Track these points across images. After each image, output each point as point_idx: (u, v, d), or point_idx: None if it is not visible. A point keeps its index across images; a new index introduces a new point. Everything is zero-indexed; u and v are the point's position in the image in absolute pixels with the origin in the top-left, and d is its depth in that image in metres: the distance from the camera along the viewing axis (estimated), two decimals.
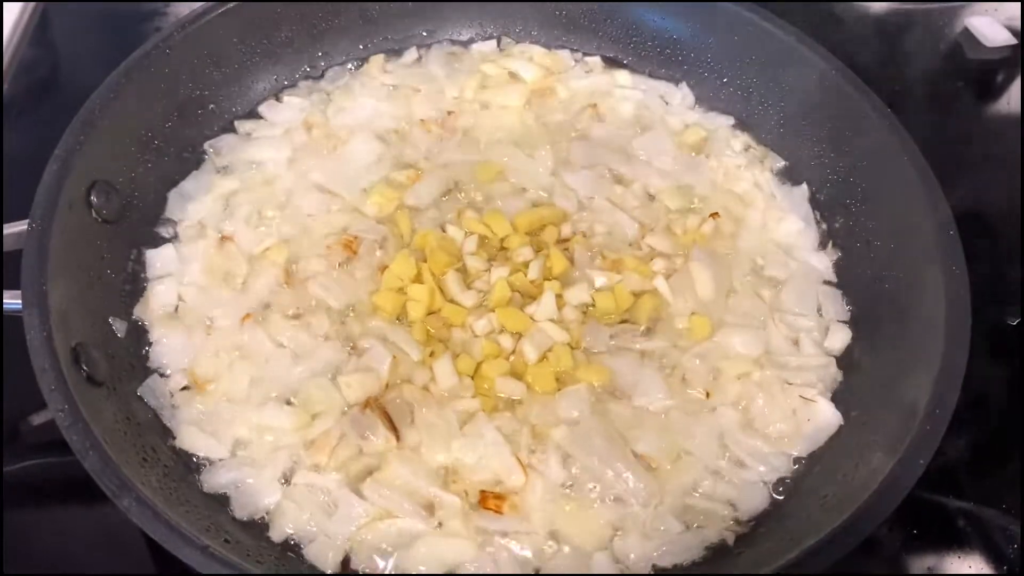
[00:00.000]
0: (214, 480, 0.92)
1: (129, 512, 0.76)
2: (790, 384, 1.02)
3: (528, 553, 0.89)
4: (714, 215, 1.16)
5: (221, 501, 0.90)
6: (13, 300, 0.90)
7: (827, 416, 0.99)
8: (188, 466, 0.93)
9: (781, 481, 0.96)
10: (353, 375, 0.98)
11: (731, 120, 1.29)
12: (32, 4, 1.53)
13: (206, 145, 1.21)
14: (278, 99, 1.28)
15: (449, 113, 1.25)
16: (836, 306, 1.10)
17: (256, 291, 1.06)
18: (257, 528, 0.89)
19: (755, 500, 0.94)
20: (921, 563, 1.01)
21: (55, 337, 0.87)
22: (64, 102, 1.37)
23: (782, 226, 1.18)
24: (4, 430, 1.08)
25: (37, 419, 1.09)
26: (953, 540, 1.03)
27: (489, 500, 0.90)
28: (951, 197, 1.02)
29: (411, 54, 1.34)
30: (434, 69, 1.32)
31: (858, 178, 1.15)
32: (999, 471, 1.10)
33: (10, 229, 1.00)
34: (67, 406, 0.82)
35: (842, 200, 1.17)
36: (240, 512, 0.90)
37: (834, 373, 1.04)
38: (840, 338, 1.07)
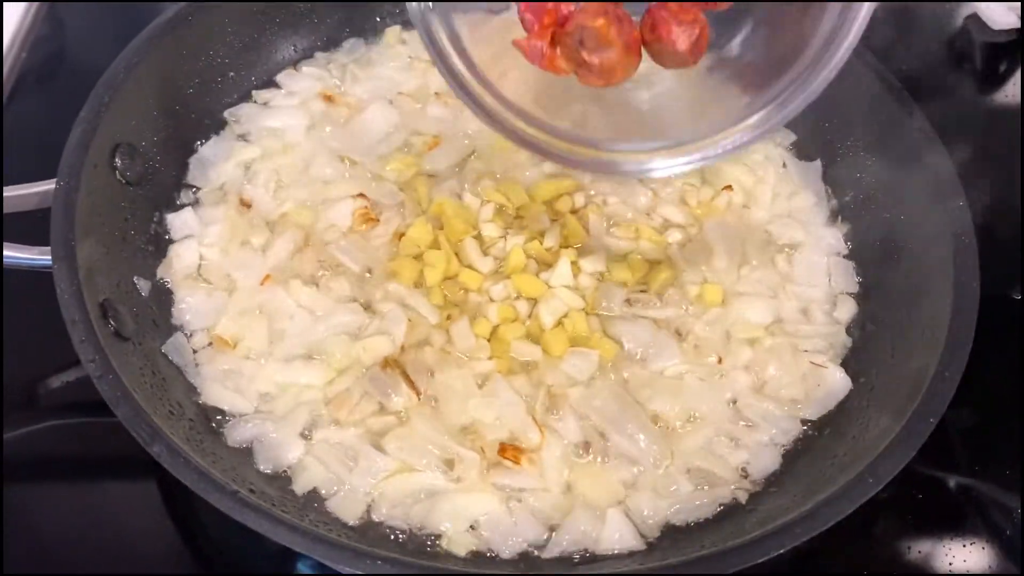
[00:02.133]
0: (238, 434, 0.93)
1: (160, 458, 0.78)
2: (801, 351, 1.04)
3: (546, 509, 0.91)
4: (727, 188, 1.17)
5: (245, 454, 0.92)
6: (43, 256, 0.92)
7: (837, 381, 1.01)
8: (213, 420, 0.95)
9: (792, 442, 0.98)
10: (371, 338, 1.00)
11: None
12: None
13: (226, 113, 1.22)
14: (296, 68, 1.29)
15: None
16: (846, 278, 1.12)
17: (276, 254, 1.07)
18: (281, 481, 0.91)
19: (766, 461, 0.96)
20: (921, 539, 1.02)
21: (84, 291, 0.88)
22: (73, 77, 1.41)
23: (794, 200, 1.19)
24: (21, 393, 1.09)
25: (55, 381, 1.11)
26: (952, 516, 1.04)
27: (508, 451, 0.92)
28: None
29: None
30: None
31: (869, 153, 1.17)
32: (1001, 446, 1.12)
33: (34, 189, 1.01)
34: (97, 356, 0.83)
35: (852, 175, 1.18)
36: (264, 465, 0.92)
37: (844, 340, 1.06)
38: (848, 308, 1.09)
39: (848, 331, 1.07)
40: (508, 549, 0.88)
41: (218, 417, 0.95)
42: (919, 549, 1.01)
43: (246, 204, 1.12)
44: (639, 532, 0.90)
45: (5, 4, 1.47)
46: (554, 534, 0.89)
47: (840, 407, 1.00)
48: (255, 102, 1.25)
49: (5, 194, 1.01)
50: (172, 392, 0.93)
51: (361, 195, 1.12)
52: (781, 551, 0.77)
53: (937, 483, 1.07)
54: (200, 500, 0.77)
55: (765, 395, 1.01)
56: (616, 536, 0.88)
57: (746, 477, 0.95)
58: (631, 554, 0.87)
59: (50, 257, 0.90)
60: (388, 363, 0.98)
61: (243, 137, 1.21)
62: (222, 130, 1.21)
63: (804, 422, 1.00)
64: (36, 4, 1.51)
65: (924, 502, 1.05)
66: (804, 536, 0.78)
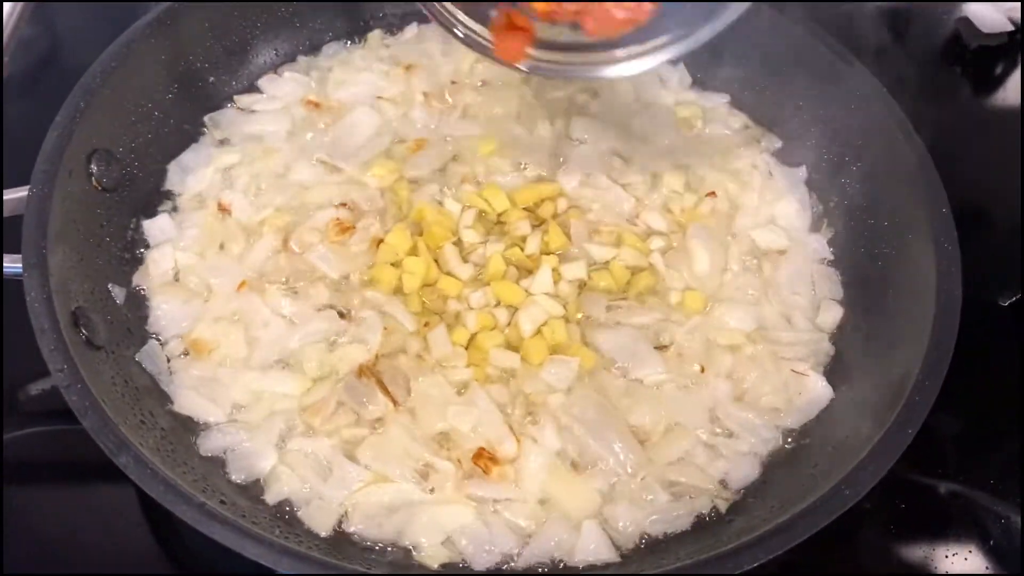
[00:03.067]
0: (211, 443, 0.93)
1: (127, 469, 0.77)
2: (782, 359, 1.03)
3: (520, 521, 0.90)
4: (711, 194, 1.16)
5: (217, 464, 0.91)
6: (14, 264, 0.91)
7: (818, 390, 1.00)
8: (186, 428, 0.94)
9: (772, 452, 0.97)
10: (347, 346, 0.99)
11: (727, 98, 1.29)
12: None
13: (205, 118, 1.21)
14: (277, 73, 1.28)
15: (453, 82, 1.25)
16: (830, 284, 1.11)
17: (253, 260, 1.07)
18: (253, 491, 0.90)
19: (745, 471, 0.95)
20: (912, 547, 1.02)
21: (55, 300, 0.87)
22: (62, 77, 1.40)
23: (778, 206, 1.18)
24: (3, 399, 1.08)
25: (35, 388, 1.10)
26: (943, 524, 1.04)
27: (482, 458, 0.91)
28: (949, 184, 1.03)
29: (411, 30, 1.35)
30: (432, 46, 1.33)
31: (853, 158, 1.16)
32: (991, 453, 1.11)
33: (10, 195, 1.00)
34: (66, 366, 0.83)
35: (837, 180, 1.17)
36: (236, 475, 0.91)
37: (826, 348, 1.05)
38: (832, 315, 1.08)
39: (831, 339, 1.06)
40: (482, 561, 0.86)
41: (191, 424, 0.95)
42: (906, 556, 1.00)
43: (225, 209, 1.11)
44: (614, 544, 0.89)
45: None
46: (527, 546, 0.88)
47: (821, 415, 0.99)
48: (237, 107, 1.24)
49: None
50: (144, 401, 0.92)
51: (343, 204, 1.11)
52: (756, 564, 0.76)
53: (926, 490, 1.06)
54: None
55: (745, 404, 1.00)
56: (591, 547, 0.87)
57: (725, 487, 0.94)
58: (606, 565, 0.86)
59: (21, 265, 0.89)
60: (364, 371, 0.97)
61: (223, 143, 1.20)
62: (201, 136, 1.20)
63: (785, 431, 0.99)
64: (21, 4, 1.51)
65: (912, 509, 1.04)
66: (780, 548, 0.77)
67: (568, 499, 0.91)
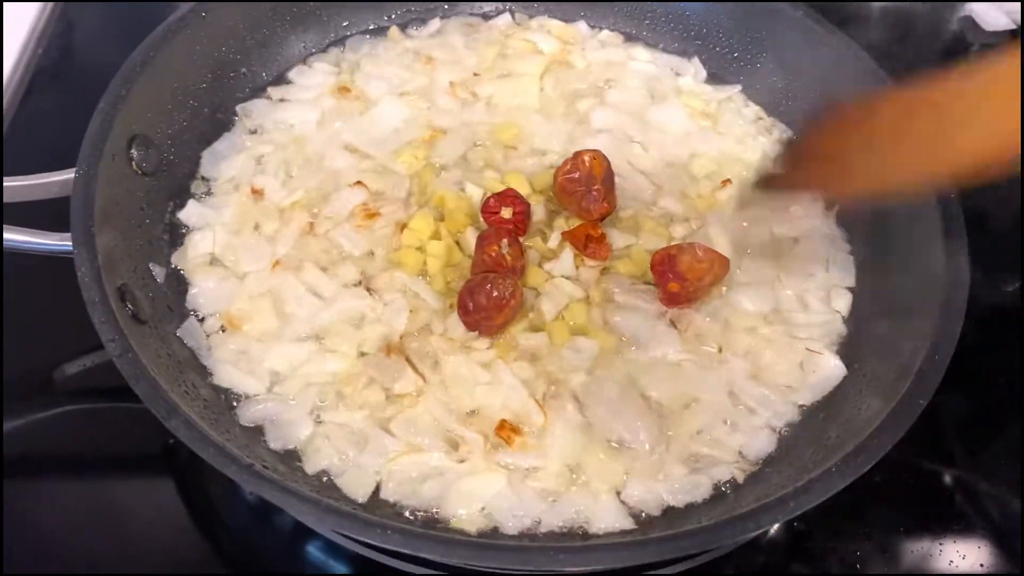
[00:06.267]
0: (250, 414, 0.96)
1: (178, 432, 0.81)
2: (797, 338, 1.07)
3: (547, 486, 0.93)
4: (726, 182, 1.20)
5: (258, 432, 0.95)
6: (63, 242, 0.95)
7: (832, 368, 1.04)
8: (226, 401, 0.98)
9: (787, 426, 1.01)
10: (376, 324, 1.03)
11: (739, 89, 1.34)
12: None
13: (237, 108, 1.25)
14: (307, 64, 1.32)
15: (475, 75, 1.30)
16: (843, 268, 1.14)
17: (285, 240, 1.11)
18: (292, 458, 0.94)
19: (762, 443, 0.99)
20: (916, 532, 1.05)
21: (103, 275, 0.91)
22: (82, 74, 1.45)
23: None
24: (37, 379, 1.12)
25: (71, 368, 1.14)
26: (947, 509, 1.07)
27: (505, 429, 0.95)
28: None
29: (434, 24, 1.39)
30: (454, 39, 1.37)
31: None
32: (995, 442, 1.15)
33: (54, 177, 1.04)
34: (118, 336, 0.86)
35: None
36: (275, 443, 0.94)
37: (839, 328, 1.09)
38: (845, 298, 1.12)
39: (844, 320, 1.10)
40: (512, 527, 0.90)
41: (231, 398, 0.98)
42: (914, 543, 1.04)
43: (257, 192, 1.15)
44: (631, 513, 0.92)
45: (19, 3, 1.50)
46: (551, 511, 0.91)
47: (835, 391, 1.03)
48: (269, 98, 1.28)
49: (24, 183, 1.04)
50: (187, 374, 0.96)
51: (359, 183, 1.15)
52: (774, 524, 0.80)
53: (932, 476, 1.10)
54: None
55: (762, 380, 1.04)
56: (611, 517, 0.91)
57: (743, 458, 0.98)
58: (622, 533, 0.90)
59: (70, 243, 0.93)
60: (392, 349, 1.01)
61: (255, 131, 1.24)
62: (233, 124, 1.24)
63: (800, 407, 1.02)
64: (49, 4, 1.55)
65: (919, 495, 1.08)
66: (798, 510, 0.81)
67: (592, 471, 0.95)
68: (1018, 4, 1.62)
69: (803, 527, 1.03)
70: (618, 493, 0.94)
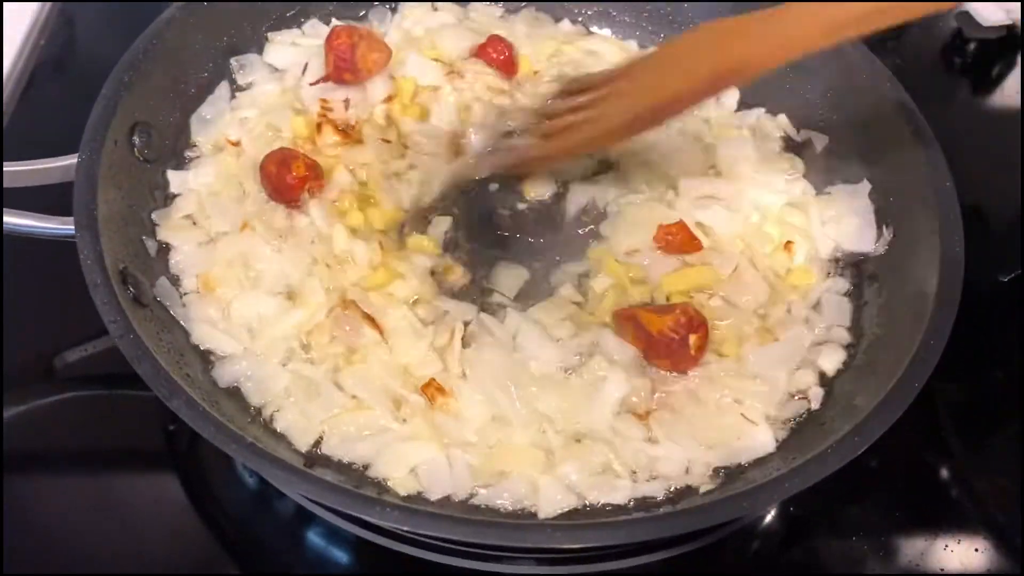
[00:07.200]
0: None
1: (179, 412, 0.81)
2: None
3: (477, 463, 0.93)
4: (788, 244, 1.14)
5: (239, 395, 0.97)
6: (65, 226, 0.96)
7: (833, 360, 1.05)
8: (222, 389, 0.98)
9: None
10: (337, 275, 1.06)
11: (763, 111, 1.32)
12: None
13: (231, 60, 1.25)
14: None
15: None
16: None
17: (256, 198, 1.12)
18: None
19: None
20: (914, 528, 1.05)
21: (105, 257, 0.92)
22: (83, 68, 1.46)
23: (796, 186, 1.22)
24: (37, 365, 1.13)
25: (71, 355, 1.14)
26: (945, 504, 1.08)
27: (429, 388, 0.96)
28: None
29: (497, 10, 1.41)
30: (519, 27, 1.38)
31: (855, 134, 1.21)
32: (994, 435, 1.16)
33: (56, 163, 1.05)
34: (120, 318, 0.87)
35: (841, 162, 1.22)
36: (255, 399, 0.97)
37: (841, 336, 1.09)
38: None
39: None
40: (438, 492, 0.90)
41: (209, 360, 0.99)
42: (911, 541, 1.04)
43: (234, 144, 1.17)
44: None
45: (19, 3, 1.51)
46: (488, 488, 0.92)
47: (835, 379, 1.03)
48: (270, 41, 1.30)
49: (25, 167, 1.05)
50: (187, 357, 0.97)
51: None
52: (772, 504, 0.80)
53: (930, 469, 1.11)
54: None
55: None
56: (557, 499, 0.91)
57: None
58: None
59: (72, 226, 0.94)
60: (346, 304, 1.02)
61: (242, 88, 1.25)
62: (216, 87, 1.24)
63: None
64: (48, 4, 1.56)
65: (917, 487, 1.08)
66: (794, 490, 0.82)
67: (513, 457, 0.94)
68: (1017, 4, 1.63)
69: (800, 512, 1.03)
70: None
